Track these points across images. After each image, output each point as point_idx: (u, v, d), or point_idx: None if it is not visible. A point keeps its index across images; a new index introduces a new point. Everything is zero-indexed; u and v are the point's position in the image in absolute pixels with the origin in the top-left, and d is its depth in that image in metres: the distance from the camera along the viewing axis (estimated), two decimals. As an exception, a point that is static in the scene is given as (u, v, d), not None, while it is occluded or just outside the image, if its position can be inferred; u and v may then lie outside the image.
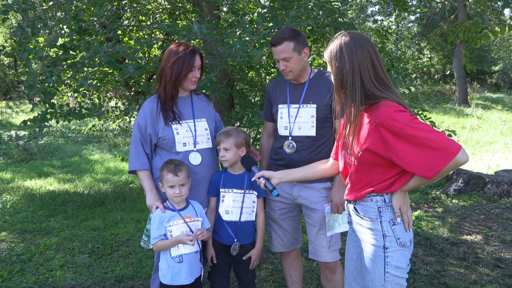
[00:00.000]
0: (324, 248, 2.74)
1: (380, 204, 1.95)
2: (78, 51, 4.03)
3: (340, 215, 2.70)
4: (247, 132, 4.86)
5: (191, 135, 2.65)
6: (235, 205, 2.66)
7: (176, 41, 4.16)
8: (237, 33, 3.79)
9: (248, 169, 2.47)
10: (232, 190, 2.67)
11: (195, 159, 2.65)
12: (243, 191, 2.67)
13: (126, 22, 5.47)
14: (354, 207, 2.05)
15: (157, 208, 2.53)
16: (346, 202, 2.15)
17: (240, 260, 2.73)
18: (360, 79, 1.88)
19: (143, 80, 5.90)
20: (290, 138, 2.69)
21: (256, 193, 2.71)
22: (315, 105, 2.65)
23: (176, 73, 2.58)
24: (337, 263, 2.82)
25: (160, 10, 6.12)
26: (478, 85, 27.32)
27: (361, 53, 1.88)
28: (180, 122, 2.64)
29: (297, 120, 2.68)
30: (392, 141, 1.80)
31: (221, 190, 2.67)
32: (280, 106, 2.77)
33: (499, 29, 4.91)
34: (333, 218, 2.70)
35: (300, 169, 2.40)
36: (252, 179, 2.40)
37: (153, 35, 6.14)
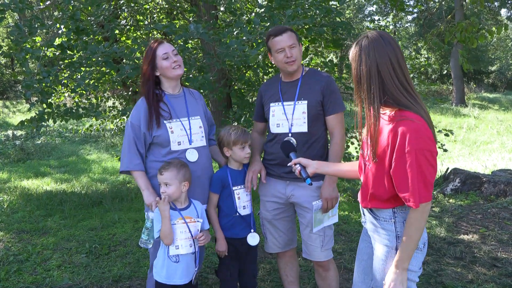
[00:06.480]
0: (317, 248, 2.74)
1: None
2: (75, 51, 4.03)
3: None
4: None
5: (185, 134, 2.64)
6: (248, 199, 2.77)
7: (173, 41, 4.16)
8: (235, 33, 3.79)
9: (286, 155, 2.44)
10: (242, 186, 2.76)
11: (192, 155, 2.63)
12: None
13: (123, 21, 5.46)
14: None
15: (157, 204, 2.50)
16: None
17: (246, 252, 2.80)
18: (381, 82, 1.84)
19: (140, 80, 5.89)
20: (289, 134, 2.69)
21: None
22: (306, 101, 2.66)
23: (148, 67, 2.63)
24: (330, 261, 2.82)
25: (158, 9, 6.13)
26: (475, 85, 27.39)
27: (379, 56, 1.84)
28: (173, 119, 2.62)
29: (290, 117, 2.70)
30: (398, 152, 1.79)
31: (234, 188, 2.72)
32: (272, 104, 2.77)
33: (495, 29, 4.90)
34: (321, 214, 2.69)
35: (335, 164, 2.43)
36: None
37: (150, 35, 6.14)
